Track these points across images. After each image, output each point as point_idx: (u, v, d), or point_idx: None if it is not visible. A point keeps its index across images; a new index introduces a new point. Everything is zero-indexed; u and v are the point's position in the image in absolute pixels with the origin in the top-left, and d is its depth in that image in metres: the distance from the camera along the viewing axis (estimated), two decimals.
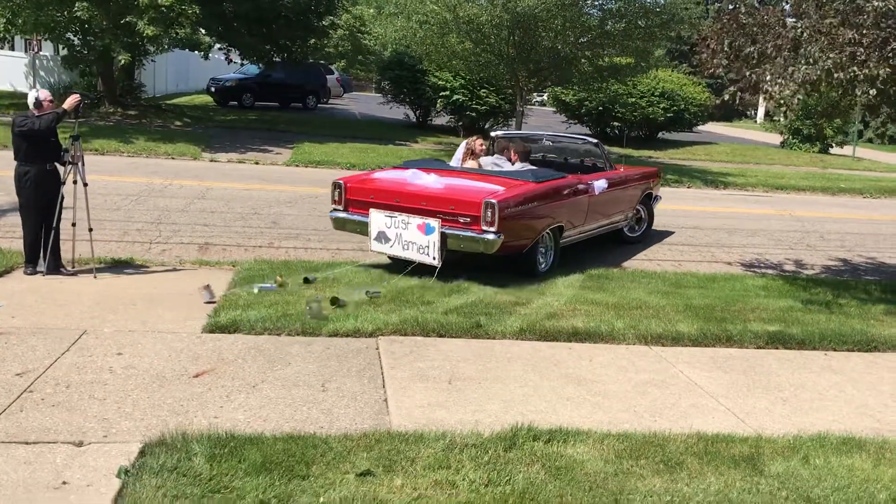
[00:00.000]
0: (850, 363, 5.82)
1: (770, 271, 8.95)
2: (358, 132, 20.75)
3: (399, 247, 7.29)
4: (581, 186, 8.37)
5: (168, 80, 28.90)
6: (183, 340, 5.18)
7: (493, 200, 6.95)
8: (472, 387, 4.72)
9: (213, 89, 26.15)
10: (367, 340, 5.42)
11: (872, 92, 6.22)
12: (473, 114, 21.49)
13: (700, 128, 27.16)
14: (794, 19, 6.93)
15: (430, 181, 7.59)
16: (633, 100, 23.05)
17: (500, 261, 7.52)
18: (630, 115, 23.27)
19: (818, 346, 6.10)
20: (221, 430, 3.76)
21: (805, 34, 6.74)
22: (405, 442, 3.81)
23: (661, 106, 23.33)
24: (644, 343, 5.82)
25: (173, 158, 14.73)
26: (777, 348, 6.01)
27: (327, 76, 30.19)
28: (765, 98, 7.17)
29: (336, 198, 7.77)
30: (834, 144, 26.65)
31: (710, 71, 7.97)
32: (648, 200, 10.25)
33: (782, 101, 6.83)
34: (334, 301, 6.06)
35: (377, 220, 7.35)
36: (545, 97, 29.00)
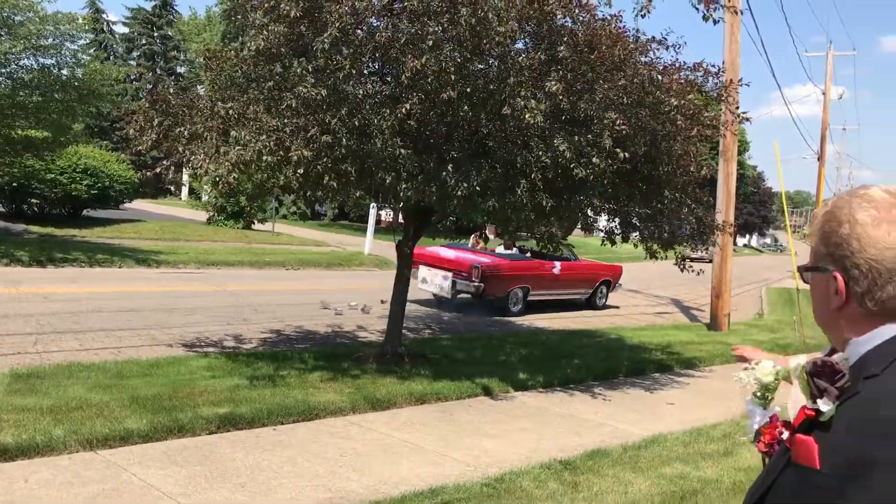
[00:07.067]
0: (298, 434, 6.08)
1: (212, 349, 8.96)
2: None
3: (432, 286, 13.87)
4: (546, 267, 15.04)
5: None
6: None
7: (478, 265, 13.53)
8: None
9: None
10: None
11: (300, 171, 6.72)
12: None
13: (128, 205, 26.50)
14: (223, 103, 7.14)
15: (451, 254, 14.28)
16: (53, 176, 21.37)
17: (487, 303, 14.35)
18: (50, 192, 21.52)
19: (267, 422, 6.23)
20: None
21: (233, 118, 7.01)
22: None
23: (85, 183, 22.10)
24: (89, 448, 5.20)
25: None
26: (230, 430, 5.96)
27: None
28: (199, 175, 7.23)
29: None
30: (256, 221, 28.61)
31: (139, 148, 7.78)
32: (607, 284, 17.14)
33: (218, 179, 6.96)
34: None
35: (423, 271, 13.82)
36: None
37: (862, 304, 1.26)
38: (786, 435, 1.34)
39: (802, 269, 1.37)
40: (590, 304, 16.82)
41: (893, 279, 1.23)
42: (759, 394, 1.44)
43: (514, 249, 15.39)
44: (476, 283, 13.38)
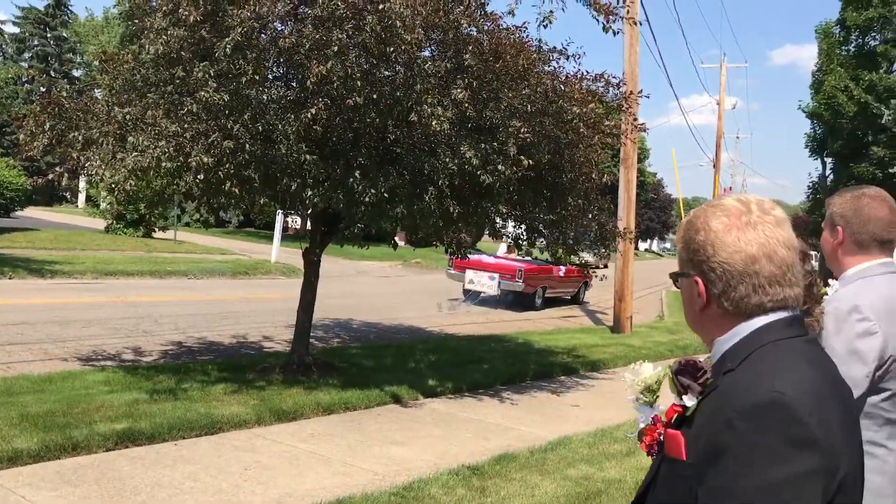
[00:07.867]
0: (201, 449, 5.90)
1: (110, 363, 8.62)
2: None
3: (478, 286, 17.79)
4: (555, 271, 18.48)
5: None
6: None
7: (521, 268, 17.37)
8: None
9: None
10: None
11: (201, 178, 6.54)
12: None
13: (19, 213, 25.27)
14: (120, 108, 6.89)
15: (492, 260, 18.35)
16: None
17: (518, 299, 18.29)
18: None
19: (168, 437, 6.02)
20: None
21: (131, 123, 6.77)
22: None
23: None
24: None
25: None
26: (128, 447, 5.73)
27: None
28: (95, 182, 6.95)
29: (450, 265, 18.25)
30: (157, 229, 27.70)
31: (30, 153, 7.43)
32: (585, 284, 20.79)
33: (114, 186, 6.70)
34: None
35: (469, 274, 17.97)
36: None
37: (720, 305, 1.36)
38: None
39: (672, 276, 1.47)
40: (574, 300, 20.90)
41: (745, 280, 1.33)
42: (642, 395, 1.51)
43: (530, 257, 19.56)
44: (519, 283, 17.33)
